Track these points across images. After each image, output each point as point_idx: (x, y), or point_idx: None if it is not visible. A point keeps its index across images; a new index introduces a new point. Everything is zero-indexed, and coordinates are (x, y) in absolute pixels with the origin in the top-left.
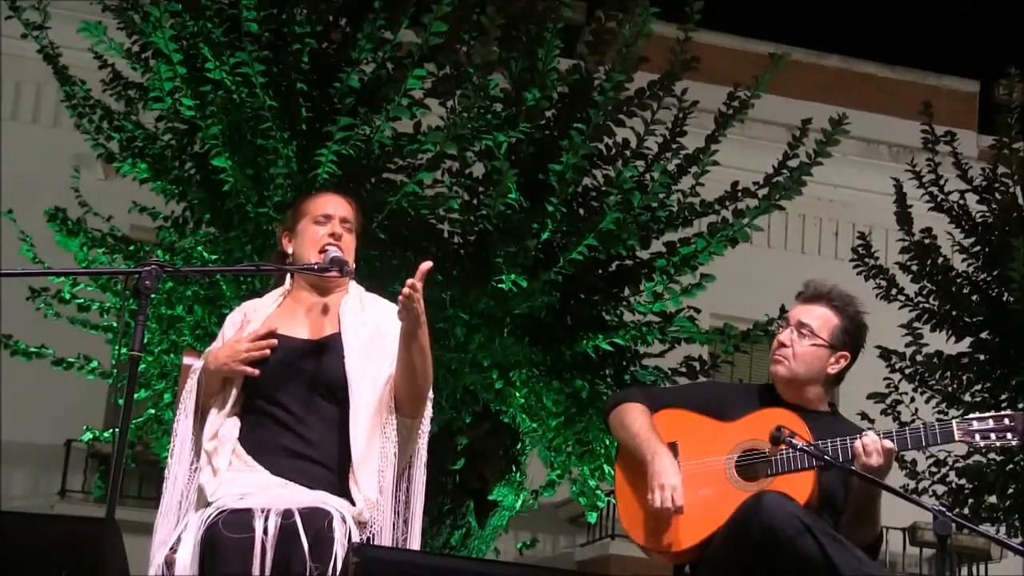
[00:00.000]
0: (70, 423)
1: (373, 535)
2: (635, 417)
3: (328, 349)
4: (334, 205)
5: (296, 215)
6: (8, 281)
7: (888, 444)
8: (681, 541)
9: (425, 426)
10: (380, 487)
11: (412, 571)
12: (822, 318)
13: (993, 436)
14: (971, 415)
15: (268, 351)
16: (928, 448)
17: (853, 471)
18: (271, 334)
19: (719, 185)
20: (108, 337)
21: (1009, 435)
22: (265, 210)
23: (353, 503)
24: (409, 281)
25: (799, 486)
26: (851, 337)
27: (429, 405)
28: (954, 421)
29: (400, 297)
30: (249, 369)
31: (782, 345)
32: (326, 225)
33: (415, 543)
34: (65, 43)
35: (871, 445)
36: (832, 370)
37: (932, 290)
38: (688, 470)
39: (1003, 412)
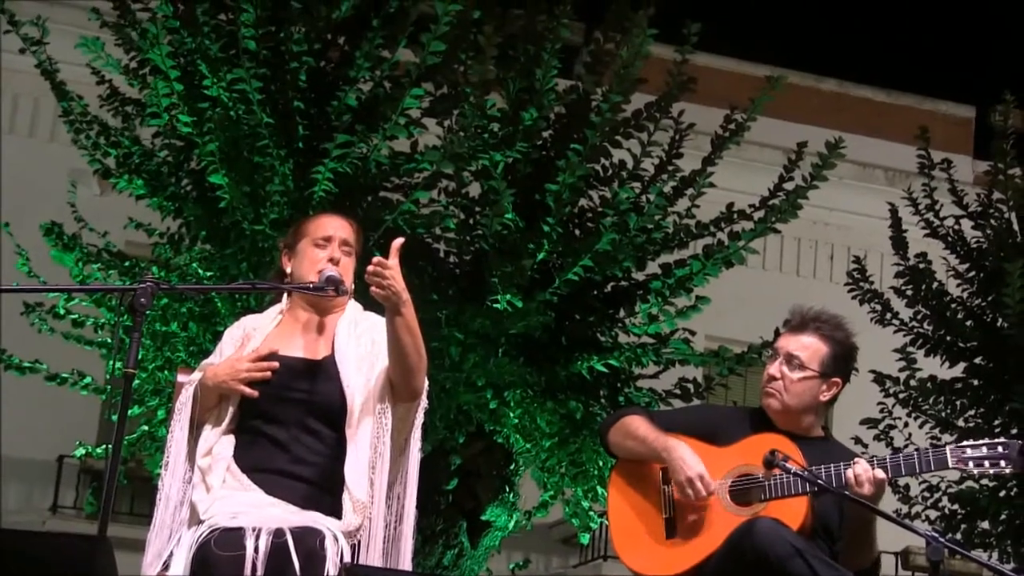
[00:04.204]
0: (63, 439)
1: (360, 541)
2: (639, 424)
3: (325, 372)
4: (335, 227)
5: (297, 234)
6: (2, 296)
7: (880, 474)
8: (674, 565)
9: (420, 415)
10: (371, 479)
11: None
12: (811, 348)
13: (987, 463)
14: (965, 442)
15: (268, 373)
16: (921, 474)
17: (846, 496)
18: (272, 355)
19: (715, 207)
20: (102, 353)
21: (1002, 463)
22: (261, 227)
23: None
24: (375, 259)
25: (792, 511)
26: (842, 362)
27: (424, 397)
28: (948, 448)
29: (365, 276)
30: (248, 390)
31: (772, 378)
32: (326, 248)
33: (408, 540)
34: (63, 58)
35: (863, 475)
36: (824, 397)
37: (926, 315)
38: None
39: (997, 440)
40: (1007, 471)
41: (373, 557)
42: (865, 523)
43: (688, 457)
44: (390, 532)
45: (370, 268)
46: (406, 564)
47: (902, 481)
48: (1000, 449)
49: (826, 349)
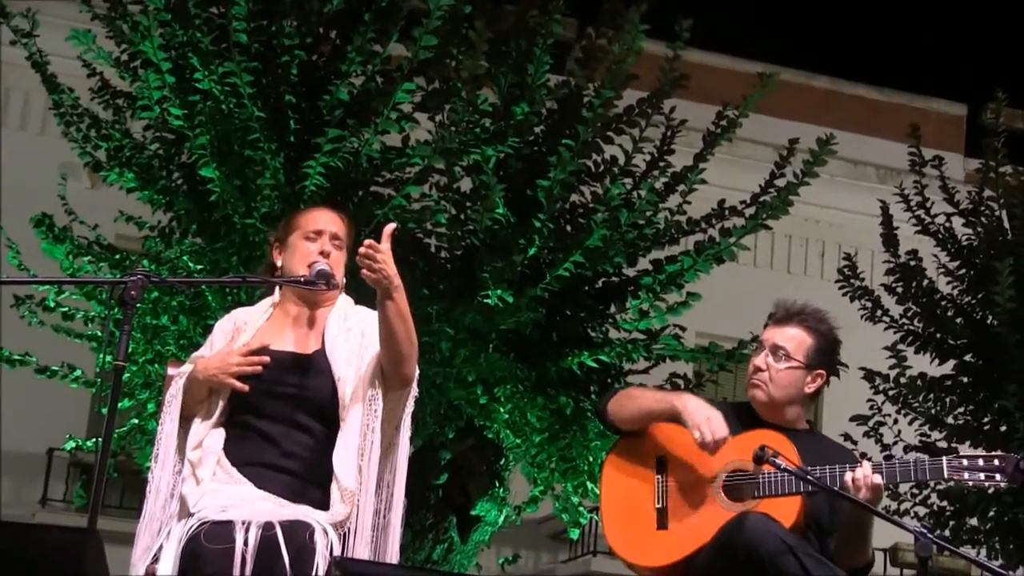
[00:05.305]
0: (53, 431)
1: (349, 529)
2: (640, 392)
3: (316, 366)
4: (326, 221)
5: (288, 228)
6: None
7: (877, 479)
8: (665, 556)
9: (410, 403)
10: (359, 466)
11: None
12: (796, 339)
13: (982, 476)
14: (963, 453)
15: (260, 368)
16: (917, 482)
17: (839, 494)
18: (263, 350)
19: (706, 203)
20: (92, 346)
21: (998, 476)
22: (252, 221)
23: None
24: (366, 241)
25: (785, 508)
26: (826, 355)
27: (415, 385)
28: (944, 459)
29: (356, 258)
30: (239, 384)
31: (758, 369)
32: (316, 242)
33: (396, 530)
34: (54, 51)
35: (861, 480)
36: (809, 389)
37: (917, 312)
38: (675, 485)
39: (994, 453)
40: (1003, 485)
41: (361, 546)
42: (862, 523)
43: (702, 404)
44: (378, 521)
45: (361, 250)
46: (394, 554)
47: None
48: (997, 463)
49: (811, 341)
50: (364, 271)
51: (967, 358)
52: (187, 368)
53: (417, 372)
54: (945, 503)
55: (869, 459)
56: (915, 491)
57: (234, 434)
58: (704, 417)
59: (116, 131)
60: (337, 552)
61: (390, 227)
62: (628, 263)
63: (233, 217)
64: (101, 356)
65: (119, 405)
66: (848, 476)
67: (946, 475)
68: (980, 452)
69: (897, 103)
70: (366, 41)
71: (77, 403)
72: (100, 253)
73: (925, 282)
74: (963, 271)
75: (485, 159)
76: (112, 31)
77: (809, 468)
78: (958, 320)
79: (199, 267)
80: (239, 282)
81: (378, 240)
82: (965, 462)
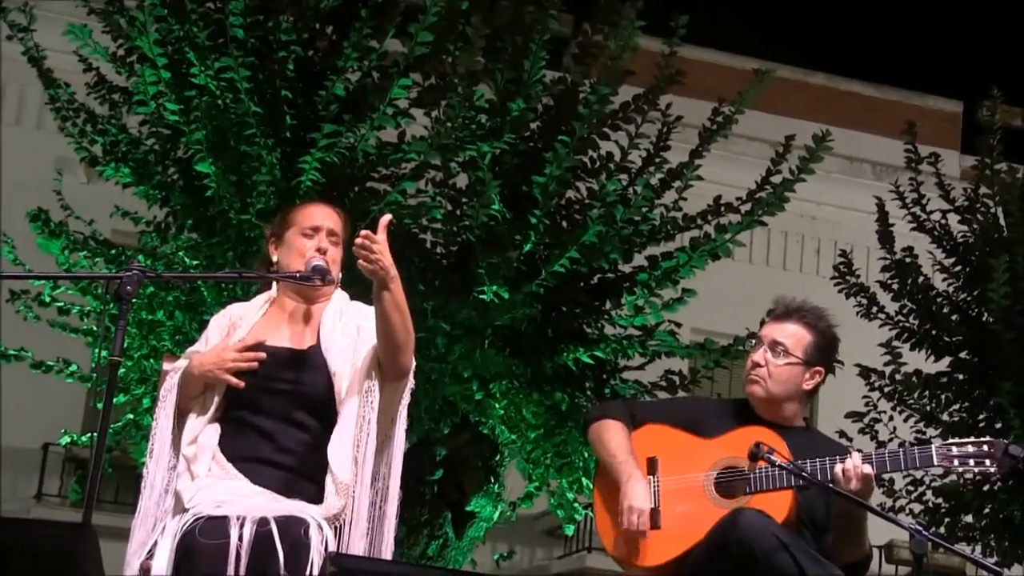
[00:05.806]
0: (48, 426)
1: (344, 521)
2: (613, 436)
3: (311, 361)
4: (322, 217)
5: (284, 224)
6: None
7: (867, 469)
8: (658, 555)
9: (406, 394)
10: (355, 458)
11: None
12: (795, 335)
13: (972, 462)
14: (951, 440)
15: (255, 363)
16: (907, 471)
17: (831, 489)
18: (259, 346)
19: (702, 200)
20: (88, 341)
21: (987, 462)
22: (248, 217)
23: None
24: (362, 232)
25: (777, 504)
26: (824, 352)
27: (411, 376)
28: (933, 446)
29: (352, 249)
30: (234, 380)
31: (756, 365)
32: (313, 238)
33: (391, 521)
34: (50, 46)
35: (851, 471)
36: (807, 386)
37: (912, 309)
38: (667, 485)
39: (983, 439)
40: (992, 470)
41: (356, 538)
42: (857, 518)
43: (639, 492)
44: (374, 513)
45: (358, 241)
46: (389, 545)
47: (887, 475)
48: (986, 448)
49: (810, 337)
50: (360, 262)
51: (962, 355)
52: (182, 363)
53: (414, 364)
54: (940, 500)
55: (859, 451)
56: (910, 488)
57: (229, 430)
58: (628, 506)
59: (112, 126)
60: (332, 547)
61: (386, 218)
62: (624, 259)
63: (229, 212)
64: (97, 351)
65: (114, 400)
66: (838, 468)
67: (936, 462)
68: (969, 439)
69: (893, 100)
70: (362, 37)
71: (72, 398)
72: (96, 248)
73: (921, 279)
74: (958, 268)
75: (481, 155)
76: (108, 26)
77: (800, 463)
78: (953, 317)
79: (195, 262)
80: (235, 277)
81: (374, 231)
82: (954, 449)
